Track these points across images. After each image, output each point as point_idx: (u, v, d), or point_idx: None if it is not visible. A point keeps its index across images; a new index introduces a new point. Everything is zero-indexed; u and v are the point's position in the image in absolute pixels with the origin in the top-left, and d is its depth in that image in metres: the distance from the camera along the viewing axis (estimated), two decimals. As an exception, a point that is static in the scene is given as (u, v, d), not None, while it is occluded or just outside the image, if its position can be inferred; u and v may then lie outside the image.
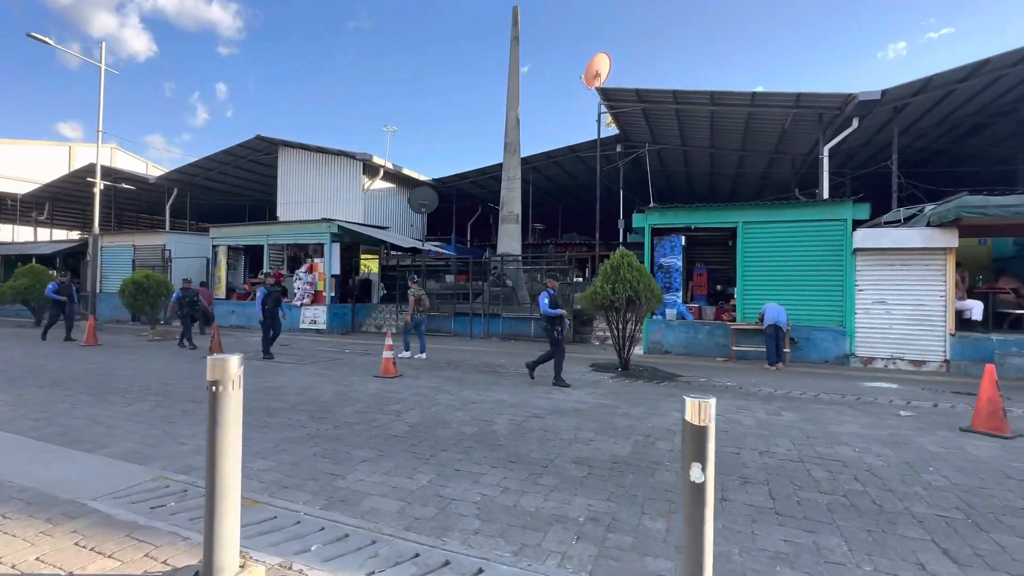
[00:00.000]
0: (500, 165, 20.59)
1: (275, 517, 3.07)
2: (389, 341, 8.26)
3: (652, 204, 12.05)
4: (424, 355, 10.35)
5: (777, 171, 19.32)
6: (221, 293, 17.57)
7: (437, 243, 22.04)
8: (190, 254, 19.36)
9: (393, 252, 18.97)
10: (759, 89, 12.41)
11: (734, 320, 11.06)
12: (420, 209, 16.86)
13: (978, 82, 11.74)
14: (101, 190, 16.74)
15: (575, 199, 26.37)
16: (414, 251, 17.64)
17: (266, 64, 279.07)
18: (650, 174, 17.20)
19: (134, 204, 29.23)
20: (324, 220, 15.47)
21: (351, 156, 18.25)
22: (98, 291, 20.22)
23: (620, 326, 9.19)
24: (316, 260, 16.00)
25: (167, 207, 23.12)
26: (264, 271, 16.90)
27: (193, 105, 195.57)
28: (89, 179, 18.30)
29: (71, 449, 4.30)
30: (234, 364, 2.42)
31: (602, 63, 15.14)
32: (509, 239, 16.87)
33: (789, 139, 15.57)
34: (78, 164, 44.12)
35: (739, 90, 12.87)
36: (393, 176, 19.85)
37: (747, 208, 11.20)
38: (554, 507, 3.31)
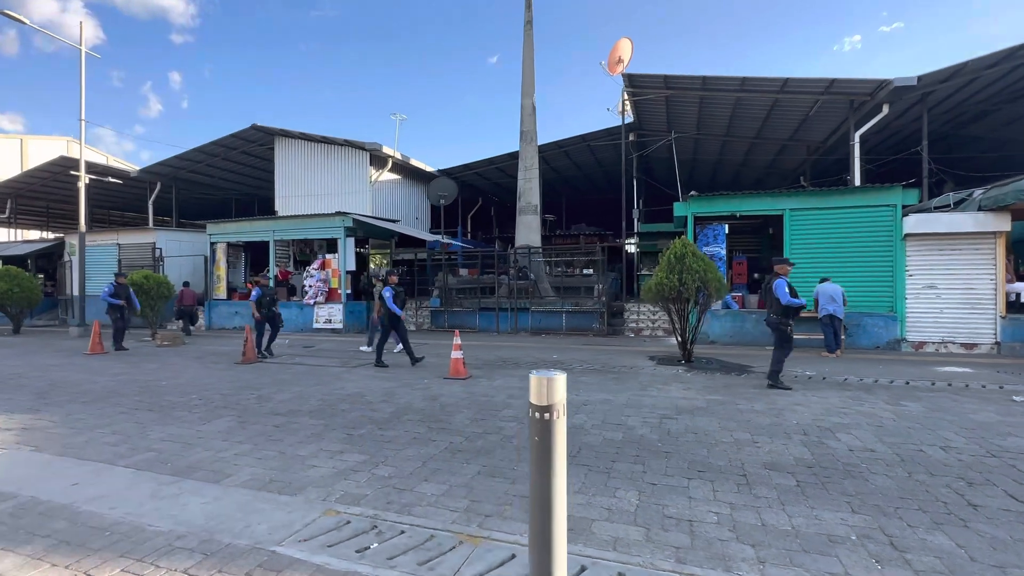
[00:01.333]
0: (507, 156, 20.15)
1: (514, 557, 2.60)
2: (458, 340, 7.73)
3: (692, 192, 11.78)
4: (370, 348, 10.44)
5: (786, 158, 19.45)
6: (222, 293, 16.51)
7: (444, 236, 21.40)
8: (182, 252, 18.13)
9: (405, 248, 18.24)
10: (793, 75, 12.25)
11: (780, 308, 10.96)
12: (439, 200, 16.20)
13: (1000, 69, 11.95)
14: (85, 184, 15.37)
15: (580, 190, 26.08)
16: (423, 246, 16.99)
17: (224, 52, 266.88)
18: (677, 163, 16.90)
19: (108, 201, 27.34)
20: (338, 214, 14.64)
21: (359, 146, 17.34)
22: (77, 294, 18.89)
23: (682, 317, 8.93)
24: (328, 256, 15.18)
25: (150, 203, 21.59)
26: (269, 268, 16.01)
27: (145, 96, 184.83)
28: (72, 172, 16.86)
29: (188, 480, 3.69)
30: (562, 386, 1.95)
31: (625, 48, 14.78)
32: (528, 231, 16.41)
33: (809, 126, 15.61)
34: (32, 158, 41.25)
35: (771, 76, 12.74)
36: (399, 167, 19.03)
37: (795, 195, 11.09)
38: (807, 523, 2.95)
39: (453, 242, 21.10)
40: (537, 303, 14.33)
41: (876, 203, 10.35)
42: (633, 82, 14.30)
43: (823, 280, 9.78)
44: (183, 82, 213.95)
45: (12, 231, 29.15)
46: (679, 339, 9.08)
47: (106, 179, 18.97)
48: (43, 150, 41.99)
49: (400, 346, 9.80)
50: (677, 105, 15.73)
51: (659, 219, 21.45)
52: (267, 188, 24.47)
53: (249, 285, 16.94)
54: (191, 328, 15.23)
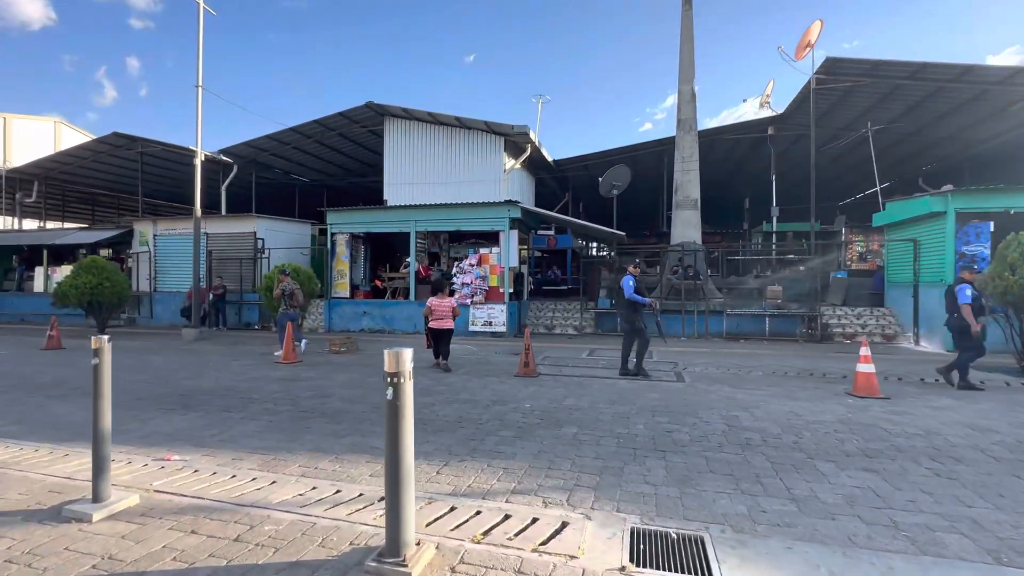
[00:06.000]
0: (622, 149, 18.78)
1: None
2: (866, 351, 6.26)
3: (947, 185, 10.66)
4: (304, 347, 9.87)
5: (937, 153, 18.54)
6: (344, 291, 14.49)
7: (548, 231, 19.84)
8: (283, 244, 15.99)
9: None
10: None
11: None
12: (610, 191, 14.66)
13: None
14: (200, 161, 13.12)
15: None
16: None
17: (189, 39, 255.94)
18: (874, 153, 15.41)
19: (157, 188, 24.52)
20: (507, 203, 12.94)
21: (498, 131, 15.60)
22: (153, 290, 16.50)
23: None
24: (485, 251, 13.43)
25: (223, 188, 19.15)
26: (409, 263, 14.14)
27: (99, 81, 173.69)
28: (127, 150, 14.59)
29: None
30: None
31: (814, 32, 13.66)
32: (685, 227, 15.08)
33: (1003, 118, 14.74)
34: (16, 139, 37.42)
35: (1001, 64, 11.80)
36: (528, 156, 17.34)
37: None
38: None
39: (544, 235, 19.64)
40: (734, 304, 12.96)
41: None
42: (832, 68, 13.16)
43: None
44: (141, 69, 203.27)
45: (42, 221, 25.99)
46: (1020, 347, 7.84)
47: (203, 161, 16.50)
48: (29, 130, 38.28)
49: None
50: (855, 96, 14.69)
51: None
52: (346, 176, 22.42)
53: (379, 282, 15.08)
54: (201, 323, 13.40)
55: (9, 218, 27.37)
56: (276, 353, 9.24)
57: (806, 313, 12.36)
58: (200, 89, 12.79)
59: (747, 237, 21.15)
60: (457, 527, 2.82)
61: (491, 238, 14.29)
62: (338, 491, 3.29)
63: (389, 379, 2.44)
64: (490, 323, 13.04)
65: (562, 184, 22.69)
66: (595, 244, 31.03)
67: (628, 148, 18.31)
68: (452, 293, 13.69)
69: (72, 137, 39.11)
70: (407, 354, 2.47)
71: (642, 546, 2.63)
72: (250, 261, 15.45)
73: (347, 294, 14.48)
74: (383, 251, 16.45)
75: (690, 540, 2.69)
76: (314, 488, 3.35)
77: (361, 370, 8.05)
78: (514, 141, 16.03)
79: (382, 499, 3.19)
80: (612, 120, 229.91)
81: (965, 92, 13.23)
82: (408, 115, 16.32)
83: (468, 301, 13.14)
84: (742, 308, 12.79)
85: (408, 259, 14.24)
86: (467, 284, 13.26)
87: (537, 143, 16.36)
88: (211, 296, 14.63)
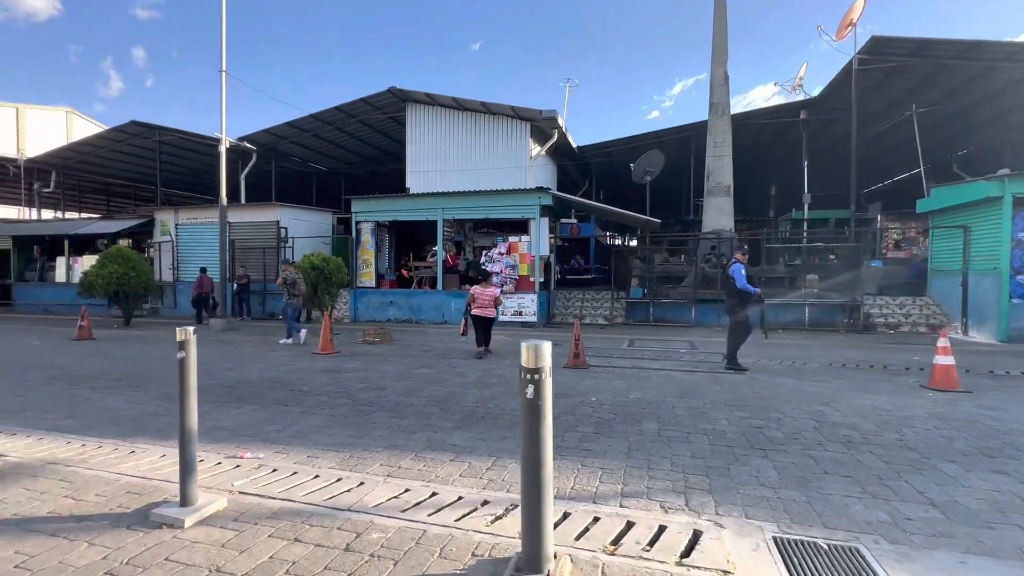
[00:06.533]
0: (648, 135, 18.32)
1: None
2: (945, 342, 5.94)
3: (1003, 169, 10.21)
4: (303, 337, 9.70)
5: (975, 137, 17.95)
6: (369, 280, 14.28)
7: (571, 220, 19.48)
8: (305, 233, 15.78)
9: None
10: None
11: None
12: (644, 177, 14.28)
13: None
14: (225, 148, 12.86)
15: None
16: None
17: (193, 29, 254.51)
18: (918, 137, 14.83)
19: (174, 177, 24.29)
20: (538, 189, 12.62)
21: (522, 117, 15.20)
22: (175, 280, 16.36)
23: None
24: (514, 239, 13.14)
25: (242, 177, 18.90)
26: (437, 249, 13.88)
27: (105, 72, 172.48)
28: (144, 139, 14.35)
29: None
30: None
31: (857, 10, 13.12)
32: (718, 214, 14.69)
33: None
34: (30, 129, 37.37)
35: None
36: (553, 142, 16.93)
37: None
38: None
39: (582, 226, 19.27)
40: (775, 295, 12.61)
41: None
42: (877, 47, 12.64)
43: None
44: (147, 59, 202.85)
45: (59, 210, 25.98)
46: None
47: (230, 148, 16.24)
48: (42, 120, 38.22)
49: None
50: (896, 77, 14.15)
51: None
52: (365, 164, 22.09)
53: (405, 271, 14.86)
54: (205, 316, 13.76)
55: (26, 209, 27.41)
56: (281, 340, 9.81)
57: (847, 303, 12.01)
58: (224, 74, 12.50)
59: (774, 225, 20.67)
60: (581, 535, 2.58)
61: (515, 226, 14.02)
62: (434, 494, 3.06)
63: (529, 375, 2.19)
64: (520, 312, 12.80)
65: (583, 171, 22.26)
66: (612, 233, 30.62)
67: (654, 134, 17.86)
68: (465, 280, 13.48)
69: (84, 127, 39.05)
70: (546, 348, 2.22)
71: (794, 559, 2.37)
72: (273, 250, 15.26)
73: (372, 283, 14.27)
74: (407, 240, 16.21)
75: (845, 552, 2.44)
76: (407, 490, 3.12)
77: (404, 361, 7.84)
78: (539, 127, 15.64)
79: (486, 503, 2.96)
80: (617, 108, 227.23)
81: (1017, 71, 12.68)
82: (432, 100, 15.95)
83: (498, 290, 12.88)
84: (781, 298, 12.43)
85: (435, 248, 13.98)
86: (496, 273, 12.99)
87: (564, 129, 15.95)
88: (235, 286, 14.47)
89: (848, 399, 5.33)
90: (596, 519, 2.76)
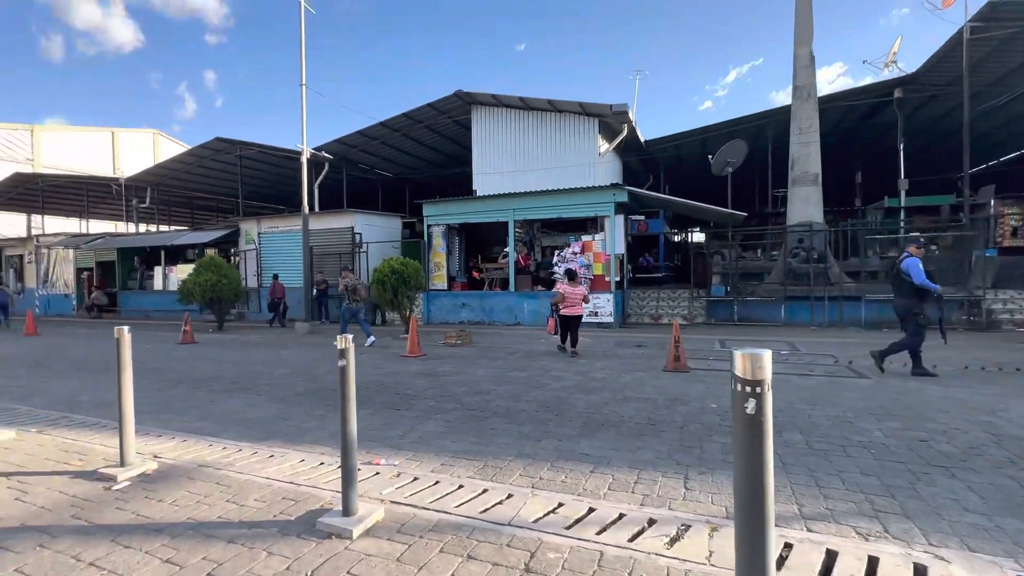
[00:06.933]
0: (719, 125, 17.44)
1: None
2: None
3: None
4: (372, 340, 9.84)
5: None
6: (441, 283, 14.44)
7: (638, 216, 18.90)
8: (377, 238, 16.19)
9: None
10: None
11: None
12: (724, 169, 13.66)
13: None
14: (306, 159, 13.43)
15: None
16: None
17: (256, 49, 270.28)
18: None
19: (255, 189, 25.82)
20: (613, 186, 12.34)
21: (590, 113, 14.89)
22: (259, 286, 17.25)
23: None
24: (587, 238, 12.86)
25: (315, 185, 19.72)
26: (508, 251, 13.82)
27: (181, 96, 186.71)
28: (227, 154, 15.03)
29: None
30: None
31: (967, -27, 11.92)
32: (805, 204, 13.72)
33: None
34: (123, 151, 40.95)
35: None
36: (623, 138, 16.50)
37: None
38: None
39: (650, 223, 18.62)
40: (869, 290, 11.66)
41: None
42: (992, 14, 11.36)
43: None
44: (217, 81, 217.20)
45: (154, 225, 28.26)
46: None
47: (318, 161, 16.91)
48: (132, 141, 41.85)
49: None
50: (1011, 46, 12.66)
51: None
52: (429, 168, 22.51)
53: (476, 274, 14.93)
54: (284, 322, 14.78)
55: (123, 224, 29.99)
56: (336, 345, 9.92)
57: (965, 297, 10.85)
58: (304, 88, 13.02)
59: (860, 215, 19.15)
60: (780, 565, 2.31)
61: (579, 225, 13.75)
62: (592, 510, 2.88)
63: (749, 388, 1.95)
64: (595, 313, 12.48)
65: (646, 166, 21.58)
66: (676, 229, 29.57)
67: (728, 123, 16.97)
68: (555, 283, 13.28)
69: (168, 147, 42.47)
70: (767, 358, 1.97)
71: (1061, 607, 1.99)
72: (349, 255, 15.76)
73: (444, 286, 14.42)
74: (473, 242, 16.28)
75: (1124, 600, 2.03)
76: (561, 505, 2.95)
77: (494, 364, 7.77)
78: (607, 122, 15.25)
79: (652, 522, 2.74)
80: (667, 100, 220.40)
81: None
82: (498, 102, 15.94)
83: (585, 289, 12.65)
84: (885, 293, 11.40)
85: (505, 249, 13.92)
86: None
87: (634, 123, 15.48)
88: (314, 291, 15.06)
89: (1018, 408, 4.70)
90: (788, 545, 2.47)
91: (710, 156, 15.58)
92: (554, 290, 12.85)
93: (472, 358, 8.38)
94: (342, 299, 10.36)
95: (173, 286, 18.63)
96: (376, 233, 16.31)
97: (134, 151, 41.11)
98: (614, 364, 7.56)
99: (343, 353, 2.75)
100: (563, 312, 8.40)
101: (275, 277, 15.24)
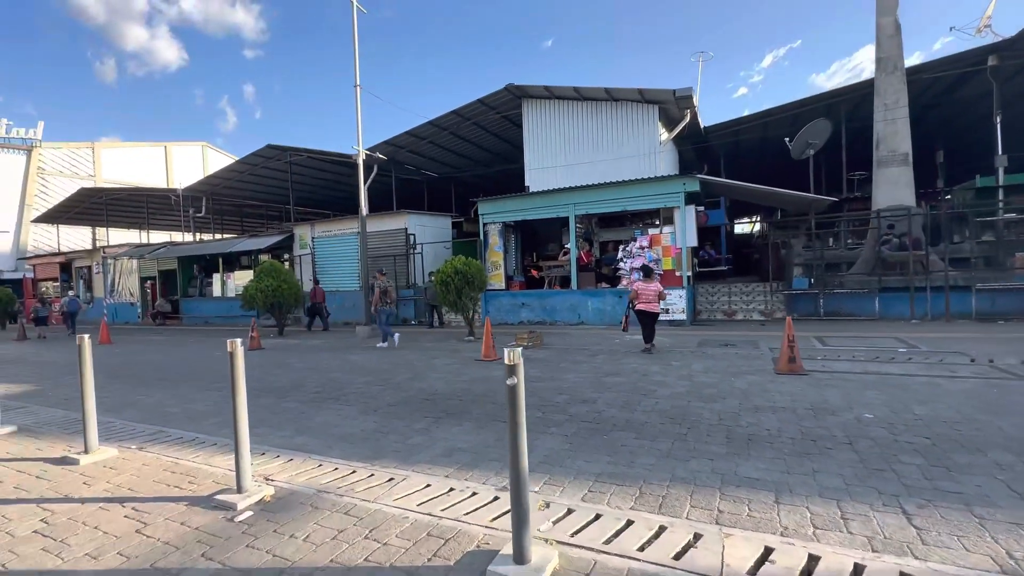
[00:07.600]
0: (784, 107, 16.31)
1: None
2: None
3: None
4: (397, 341, 10.40)
5: None
6: (498, 282, 14.04)
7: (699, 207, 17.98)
8: (426, 238, 15.95)
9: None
10: None
11: None
12: (804, 152, 12.75)
13: None
14: (362, 160, 13.30)
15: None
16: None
17: (291, 63, 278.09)
18: None
19: (300, 192, 26.15)
20: (683, 175, 11.59)
21: (650, 100, 14.15)
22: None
23: None
24: (655, 231, 12.18)
25: (364, 188, 19.68)
26: (569, 247, 13.28)
27: (223, 109, 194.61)
28: (276, 161, 15.03)
29: None
30: None
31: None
32: (893, 187, 12.60)
33: None
34: (175, 163, 42.60)
35: None
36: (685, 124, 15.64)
37: None
38: None
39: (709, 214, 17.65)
40: (979, 279, 10.54)
41: None
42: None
43: None
44: (255, 94, 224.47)
45: (210, 233, 29.15)
46: None
47: (352, 163, 16.90)
48: (183, 154, 43.61)
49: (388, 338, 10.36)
50: None
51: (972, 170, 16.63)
52: (476, 167, 22.20)
53: (536, 272, 14.47)
54: (324, 325, 14.92)
55: (179, 234, 31.09)
56: (378, 344, 10.56)
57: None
58: (358, 89, 12.86)
59: (944, 196, 17.59)
60: None
61: (640, 219, 13.04)
62: (815, 558, 2.33)
63: None
64: (667, 311, 11.77)
65: (701, 154, 20.56)
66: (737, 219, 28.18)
67: (793, 105, 15.85)
68: (619, 279, 12.68)
69: (216, 158, 44.01)
70: None
71: None
72: (403, 257, 15.59)
73: (502, 285, 14.02)
74: (528, 240, 15.82)
75: None
76: (771, 549, 2.42)
77: (579, 367, 7.26)
78: (666, 109, 14.46)
79: (908, 578, 2.17)
80: (702, 90, 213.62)
81: None
82: (550, 94, 15.39)
83: (660, 285, 12.02)
84: (1001, 282, 10.27)
85: (566, 246, 13.39)
86: (636, 269, 12.11)
87: (697, 109, 14.62)
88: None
89: None
90: None
91: (787, 139, 14.52)
92: (622, 285, 12.32)
93: (553, 361, 7.90)
94: (372, 302, 10.88)
95: (231, 292, 19.02)
96: (428, 234, 16.08)
97: (185, 163, 42.88)
98: (713, 365, 6.93)
99: (512, 370, 2.29)
100: (639, 308, 8.30)
101: (315, 282, 15.31)
